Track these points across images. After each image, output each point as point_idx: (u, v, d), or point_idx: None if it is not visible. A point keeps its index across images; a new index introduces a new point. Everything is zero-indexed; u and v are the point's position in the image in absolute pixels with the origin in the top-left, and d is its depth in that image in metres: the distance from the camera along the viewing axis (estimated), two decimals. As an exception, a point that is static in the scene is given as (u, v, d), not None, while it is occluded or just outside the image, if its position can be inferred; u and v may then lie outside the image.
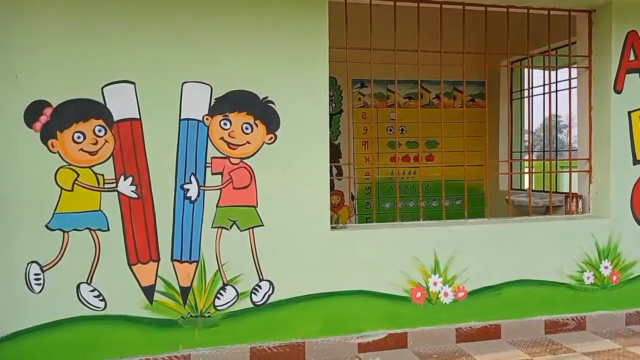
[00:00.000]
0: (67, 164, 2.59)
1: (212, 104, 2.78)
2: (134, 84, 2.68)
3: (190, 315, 2.75)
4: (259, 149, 2.84)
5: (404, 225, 3.20)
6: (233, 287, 2.80)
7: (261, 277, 2.84)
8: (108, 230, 2.65)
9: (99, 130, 2.64)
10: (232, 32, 2.79)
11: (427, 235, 3.13)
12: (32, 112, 2.55)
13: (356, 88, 5.00)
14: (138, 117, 2.68)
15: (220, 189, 2.80)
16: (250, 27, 2.82)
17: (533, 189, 4.38)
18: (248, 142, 2.83)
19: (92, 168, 2.63)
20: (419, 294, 3.07)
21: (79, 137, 2.61)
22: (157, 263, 2.71)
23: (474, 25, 3.40)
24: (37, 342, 2.56)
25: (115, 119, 2.65)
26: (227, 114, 2.80)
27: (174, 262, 2.73)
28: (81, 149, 2.61)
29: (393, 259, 3.03)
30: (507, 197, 3.76)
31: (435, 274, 3.10)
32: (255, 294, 2.84)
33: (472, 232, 3.20)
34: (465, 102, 4.44)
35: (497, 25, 3.49)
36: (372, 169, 4.66)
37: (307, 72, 2.90)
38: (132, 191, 2.68)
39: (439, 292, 3.11)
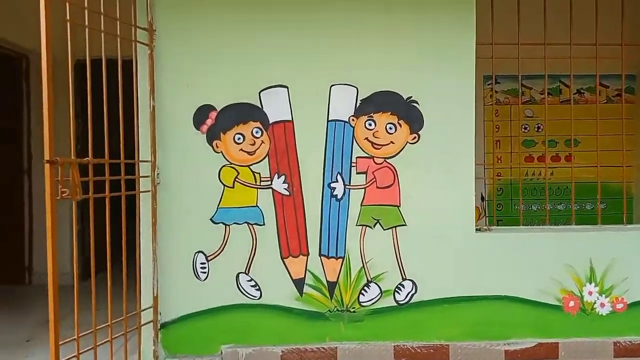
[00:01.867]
0: (229, 163, 2.83)
1: (357, 105, 2.85)
2: (287, 87, 2.84)
3: (337, 309, 2.85)
4: (403, 149, 2.86)
5: (555, 230, 3.01)
6: (377, 284, 2.86)
7: (404, 277, 2.86)
8: (264, 224, 2.84)
9: (257, 132, 2.84)
10: (377, 35, 2.84)
11: (581, 241, 2.91)
12: (200, 116, 2.82)
13: (488, 85, 4.82)
14: (290, 119, 2.84)
15: (365, 187, 2.86)
16: (394, 28, 2.85)
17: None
18: (392, 142, 2.87)
19: (250, 167, 2.84)
20: (572, 303, 2.88)
21: (239, 139, 2.83)
22: (306, 257, 2.85)
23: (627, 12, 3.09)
24: (201, 325, 2.82)
25: (270, 121, 2.84)
26: (371, 114, 2.86)
27: (321, 257, 2.86)
28: (241, 149, 2.83)
29: (543, 265, 2.87)
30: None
31: (590, 283, 2.88)
32: (398, 292, 2.86)
33: (632, 238, 2.93)
34: (610, 97, 4.07)
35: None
36: (505, 169, 4.45)
37: (452, 70, 2.85)
38: (285, 189, 2.85)
39: (595, 303, 2.89)
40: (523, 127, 4.98)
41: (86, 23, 2.38)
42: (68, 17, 2.30)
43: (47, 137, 2.13)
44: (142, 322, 2.70)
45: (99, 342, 2.45)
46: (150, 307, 2.75)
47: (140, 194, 2.74)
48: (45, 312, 3.96)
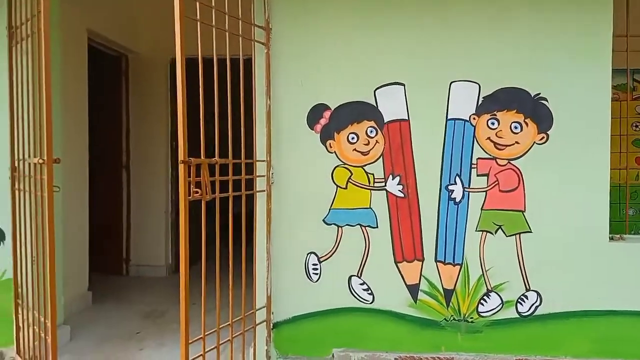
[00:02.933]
0: (342, 163, 2.76)
1: (479, 103, 2.69)
2: (403, 85, 2.72)
3: (453, 319, 2.72)
4: (529, 150, 2.67)
5: (700, 240, 2.72)
6: (497, 294, 2.69)
7: (528, 287, 2.67)
8: (377, 227, 2.75)
9: (371, 132, 2.75)
10: (502, 28, 2.66)
11: None
12: (314, 115, 2.76)
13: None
14: (406, 118, 2.73)
15: (486, 191, 2.70)
16: (519, 20, 2.66)
17: None
18: (517, 142, 2.68)
19: (364, 167, 2.75)
20: None
21: (353, 138, 2.76)
22: (421, 262, 2.74)
23: None
24: (313, 327, 2.78)
25: (385, 120, 2.74)
26: (494, 112, 2.68)
27: (437, 263, 2.73)
28: (355, 149, 2.75)
29: (688, 279, 2.60)
30: None
31: None
32: (521, 303, 2.68)
33: None
34: None
35: None
36: (614, 171, 4.11)
37: (586, 65, 2.62)
38: (399, 190, 2.74)
39: None
40: (634, 125, 4.60)
41: (213, 22, 2.37)
42: (198, 17, 2.29)
43: (182, 138, 2.14)
44: (256, 322, 2.70)
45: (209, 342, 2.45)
46: (263, 307, 2.74)
47: (256, 193, 2.73)
48: (146, 304, 4.15)
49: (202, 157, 2.24)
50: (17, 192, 2.79)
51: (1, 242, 2.85)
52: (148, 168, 4.82)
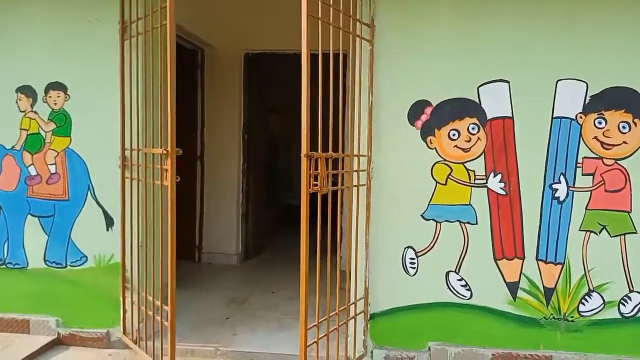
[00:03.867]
0: (442, 159, 2.78)
1: (586, 102, 2.65)
2: (508, 82, 2.72)
3: (553, 317, 2.71)
4: (637, 150, 2.63)
5: None
6: (599, 294, 2.67)
7: (631, 288, 2.64)
8: (476, 224, 2.76)
9: (473, 128, 2.75)
10: (612, 29, 2.62)
11: None
12: (415, 111, 2.79)
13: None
14: (510, 115, 2.72)
15: (591, 190, 2.67)
16: (630, 18, 2.61)
17: None
18: (624, 142, 2.64)
19: (465, 164, 2.76)
20: None
21: (454, 135, 2.77)
22: (521, 260, 2.74)
23: None
24: (410, 320, 2.82)
25: (488, 117, 2.74)
26: (602, 112, 2.65)
27: (538, 262, 2.72)
28: (455, 146, 2.77)
29: None
30: None
31: None
32: (623, 304, 2.66)
33: None
34: None
35: None
36: None
37: (701, 63, 2.56)
38: (501, 188, 2.74)
39: None
40: None
41: (330, 20, 2.41)
42: (320, 14, 2.34)
43: (305, 132, 2.20)
44: (354, 313, 2.76)
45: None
46: (361, 299, 2.80)
47: (355, 187, 2.78)
48: (225, 291, 4.28)
49: (319, 152, 2.30)
50: (127, 180, 2.94)
51: (109, 228, 3.00)
52: (221, 160, 4.95)
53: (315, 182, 2.28)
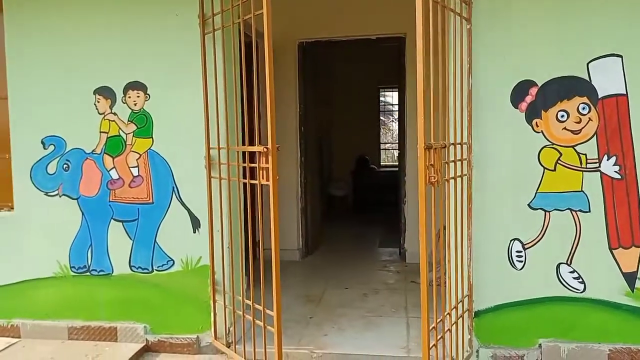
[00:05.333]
0: (550, 143, 2.58)
1: None
2: (621, 57, 2.50)
3: (680, 309, 2.53)
4: None
5: None
6: None
7: None
8: (589, 211, 2.57)
9: (583, 108, 2.55)
10: None
11: None
12: (519, 93, 2.59)
13: None
14: (624, 92, 2.51)
15: None
16: None
17: None
18: None
19: (575, 147, 2.57)
20: None
21: (562, 116, 2.57)
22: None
23: None
24: (517, 316, 2.66)
25: (599, 96, 2.53)
26: None
27: (660, 250, 2.54)
28: (564, 128, 2.57)
29: None
30: None
31: None
32: None
33: None
34: None
35: None
36: None
37: None
38: (616, 172, 2.54)
39: None
40: None
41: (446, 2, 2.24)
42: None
43: (421, 123, 2.05)
44: (462, 311, 2.62)
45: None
46: (466, 296, 2.65)
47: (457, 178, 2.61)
48: (297, 288, 4.17)
49: (432, 141, 2.14)
50: (212, 180, 2.83)
51: (196, 230, 2.90)
52: (280, 153, 4.79)
53: (432, 175, 2.12)
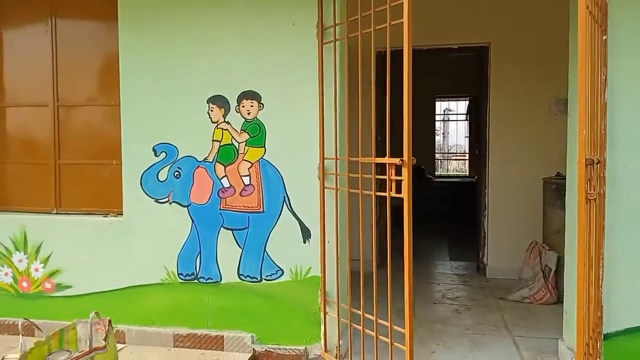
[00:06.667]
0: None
1: None
2: None
3: None
4: None
5: None
6: None
7: None
8: None
9: None
10: None
11: None
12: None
13: None
14: None
15: None
16: None
17: None
18: None
19: None
20: None
21: None
22: None
23: None
24: (652, 340, 2.54)
25: None
26: None
27: None
28: None
29: None
30: None
31: None
32: None
33: None
34: None
35: None
36: None
37: None
38: None
39: None
40: None
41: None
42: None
43: (582, 137, 1.96)
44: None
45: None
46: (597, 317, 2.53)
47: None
48: (380, 300, 4.09)
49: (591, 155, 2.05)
50: (326, 191, 2.80)
51: (306, 240, 2.87)
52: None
53: (591, 192, 2.03)
